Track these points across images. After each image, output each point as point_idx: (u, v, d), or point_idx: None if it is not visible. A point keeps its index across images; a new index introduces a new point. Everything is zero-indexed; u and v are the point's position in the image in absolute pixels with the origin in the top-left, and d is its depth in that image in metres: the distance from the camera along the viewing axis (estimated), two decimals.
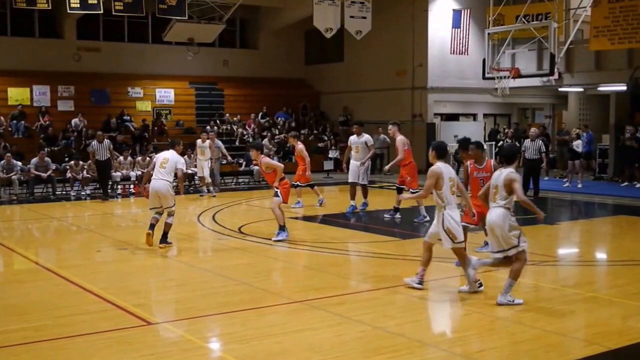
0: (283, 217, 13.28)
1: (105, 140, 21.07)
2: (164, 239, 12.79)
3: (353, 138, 17.56)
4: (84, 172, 21.84)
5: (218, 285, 9.89)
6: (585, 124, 28.82)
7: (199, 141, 22.32)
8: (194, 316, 8.33)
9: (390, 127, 16.67)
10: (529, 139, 20.62)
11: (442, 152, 9.37)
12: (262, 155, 13.50)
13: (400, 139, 16.19)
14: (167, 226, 12.89)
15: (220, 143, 23.39)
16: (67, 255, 13.22)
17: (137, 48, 32.44)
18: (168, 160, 12.99)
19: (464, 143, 11.83)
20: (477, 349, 7.19)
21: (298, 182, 18.19)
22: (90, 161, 21.65)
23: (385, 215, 16.53)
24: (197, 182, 23.19)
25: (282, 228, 13.23)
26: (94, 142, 20.92)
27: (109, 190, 21.58)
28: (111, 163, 21.39)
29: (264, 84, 34.56)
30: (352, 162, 17.47)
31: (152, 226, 12.82)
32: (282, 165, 13.47)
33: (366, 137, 17.47)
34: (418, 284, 9.39)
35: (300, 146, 18.31)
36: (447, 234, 9.15)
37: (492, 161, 11.56)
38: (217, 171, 23.24)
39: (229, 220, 15.99)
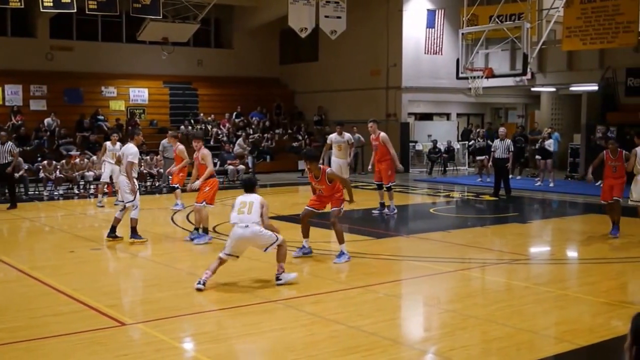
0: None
1: (9, 142, 19.13)
2: (133, 234, 13.25)
3: (334, 137, 17.96)
4: (57, 172, 21.72)
5: (192, 285, 9.88)
6: (550, 126, 29.09)
7: (108, 143, 19.27)
8: (167, 316, 8.32)
9: (370, 124, 17.00)
10: (499, 139, 20.82)
11: None
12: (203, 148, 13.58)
13: (384, 134, 16.87)
14: (132, 221, 13.26)
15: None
16: (40, 256, 13.13)
17: (111, 47, 32.18)
18: (123, 154, 13.49)
19: (309, 155, 11.98)
20: (450, 347, 7.25)
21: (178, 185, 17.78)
22: None
23: (374, 212, 17.15)
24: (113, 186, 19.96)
25: (205, 230, 13.36)
26: None
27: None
28: (13, 167, 18.92)
29: (238, 84, 34.50)
30: (335, 159, 17.87)
31: (112, 228, 13.40)
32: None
33: (347, 135, 18.09)
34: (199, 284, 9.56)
35: (180, 147, 17.89)
36: None
37: (624, 152, 13.95)
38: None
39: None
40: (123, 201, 13.47)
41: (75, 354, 7.04)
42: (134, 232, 13.31)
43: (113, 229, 13.39)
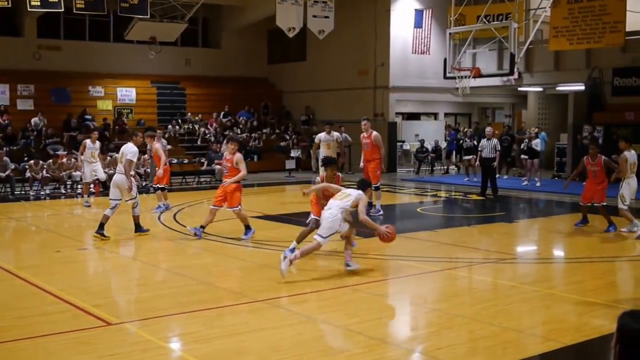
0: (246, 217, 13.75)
1: None
2: (138, 229, 13.80)
3: (323, 135, 18.28)
4: (44, 171, 21.63)
5: (179, 284, 9.87)
6: (537, 126, 29.20)
7: (88, 142, 19.20)
8: (154, 316, 8.31)
9: (364, 122, 17.12)
10: (486, 138, 20.88)
11: None
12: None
13: (376, 133, 17.07)
14: (136, 218, 13.75)
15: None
16: (26, 255, 13.09)
17: (98, 47, 32.08)
18: (122, 153, 13.75)
19: (330, 161, 12.35)
20: (436, 346, 7.27)
21: (159, 185, 17.77)
22: None
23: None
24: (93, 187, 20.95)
25: (248, 227, 13.57)
26: None
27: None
28: None
29: (226, 83, 34.46)
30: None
31: (101, 225, 13.43)
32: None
33: (336, 134, 18.66)
34: None
35: (156, 145, 17.92)
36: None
37: (603, 157, 14.39)
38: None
39: (190, 220, 15.93)
40: (119, 199, 13.64)
41: (62, 353, 7.02)
42: (138, 227, 13.80)
43: (101, 226, 13.42)
